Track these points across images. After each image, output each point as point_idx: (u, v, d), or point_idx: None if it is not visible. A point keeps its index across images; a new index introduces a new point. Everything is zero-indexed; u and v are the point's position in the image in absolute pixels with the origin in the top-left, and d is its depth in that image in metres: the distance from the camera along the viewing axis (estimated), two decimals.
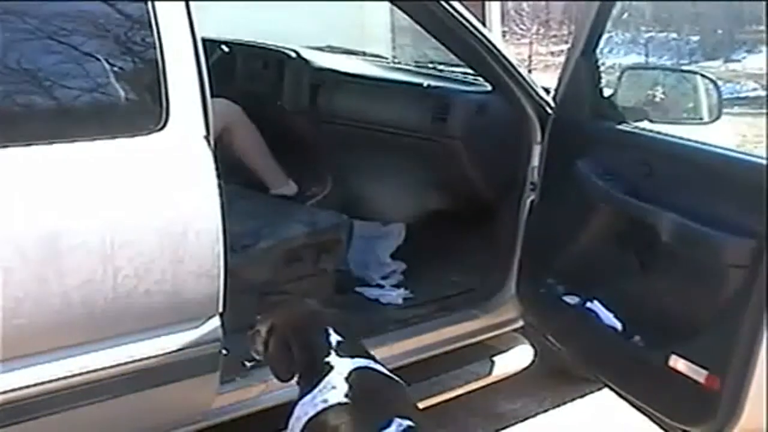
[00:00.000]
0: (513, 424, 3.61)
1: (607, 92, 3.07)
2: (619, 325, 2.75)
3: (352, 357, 2.39)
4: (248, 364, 2.66)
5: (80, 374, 2.23)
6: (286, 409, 2.50)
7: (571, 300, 2.93)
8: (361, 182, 3.80)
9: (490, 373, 3.39)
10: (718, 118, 3.16)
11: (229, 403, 2.70)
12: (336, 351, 2.38)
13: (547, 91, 3.24)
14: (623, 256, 2.77)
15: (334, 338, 2.41)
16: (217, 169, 2.35)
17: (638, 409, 2.76)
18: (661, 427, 2.70)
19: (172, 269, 2.29)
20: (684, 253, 2.52)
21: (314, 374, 2.35)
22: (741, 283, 2.33)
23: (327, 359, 2.37)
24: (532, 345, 3.47)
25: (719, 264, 2.39)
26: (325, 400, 2.28)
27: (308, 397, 2.32)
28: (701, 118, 3.13)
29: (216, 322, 2.45)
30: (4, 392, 2.12)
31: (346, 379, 2.31)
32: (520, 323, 3.43)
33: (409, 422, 2.20)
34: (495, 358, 3.41)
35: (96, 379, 2.26)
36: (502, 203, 3.36)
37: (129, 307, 2.26)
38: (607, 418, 3.60)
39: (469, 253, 3.55)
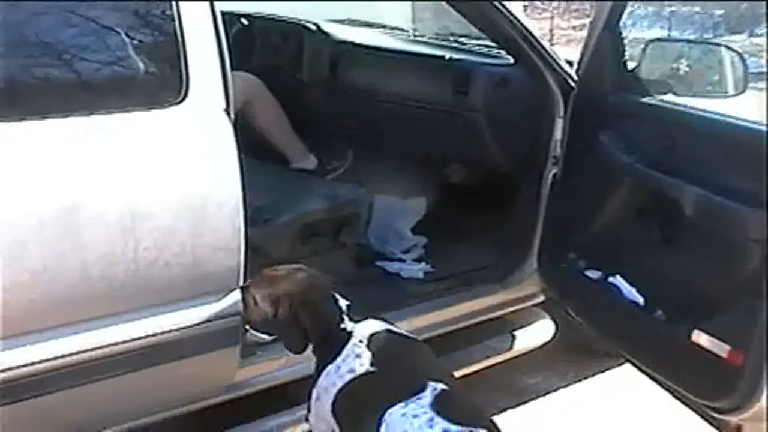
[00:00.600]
0: (534, 399, 3.60)
1: (630, 65, 3.03)
2: (641, 300, 2.73)
3: (365, 319, 2.36)
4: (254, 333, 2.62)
5: (100, 348, 2.24)
6: (307, 382, 2.52)
7: (593, 275, 2.91)
8: (382, 156, 3.79)
9: (510, 347, 3.39)
10: (743, 91, 3.12)
11: (250, 376, 2.71)
12: (348, 316, 2.36)
13: (569, 64, 3.21)
14: (646, 230, 2.75)
15: (343, 303, 2.38)
16: (237, 142, 2.34)
17: (659, 383, 2.75)
18: (682, 402, 2.69)
19: (192, 242, 2.29)
20: (707, 227, 2.49)
21: (332, 343, 2.32)
22: (764, 257, 2.31)
23: (342, 326, 2.33)
24: (554, 320, 3.47)
25: (742, 238, 2.37)
26: (351, 370, 2.24)
27: (332, 366, 2.28)
28: (726, 92, 3.09)
29: (236, 295, 2.44)
30: (25, 366, 2.13)
31: (368, 345, 2.27)
32: (542, 298, 3.42)
33: (443, 385, 2.13)
34: (516, 333, 3.41)
35: (116, 352, 2.27)
36: (523, 177, 3.34)
37: (149, 281, 2.26)
38: (628, 392, 3.59)
39: (490, 228, 3.53)
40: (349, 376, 2.25)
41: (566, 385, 3.74)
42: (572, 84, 3.12)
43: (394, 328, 2.40)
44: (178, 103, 2.27)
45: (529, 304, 3.43)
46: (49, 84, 2.17)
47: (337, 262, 3.18)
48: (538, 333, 3.44)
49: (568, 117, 3.10)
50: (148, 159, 2.24)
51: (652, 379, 2.77)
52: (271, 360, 2.74)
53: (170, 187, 2.25)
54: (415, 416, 2.03)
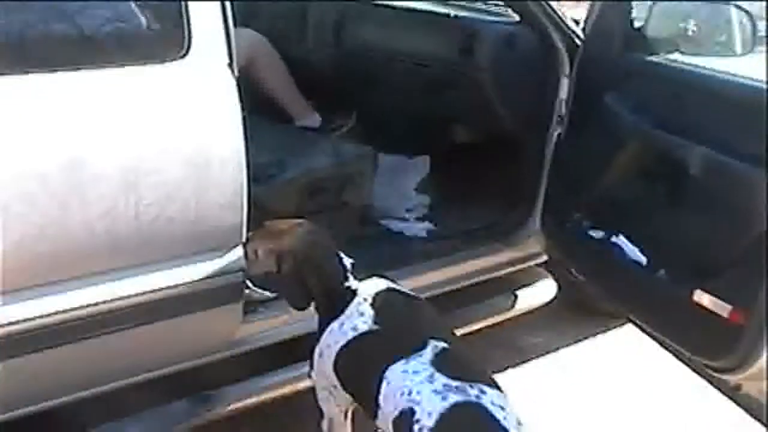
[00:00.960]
0: (534, 358, 3.63)
1: (637, 24, 3.00)
2: (644, 260, 2.73)
3: (370, 278, 2.38)
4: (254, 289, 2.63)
5: (103, 303, 2.25)
6: (309, 339, 2.53)
7: (597, 234, 2.90)
8: (386, 114, 3.77)
9: (512, 306, 3.40)
10: (751, 50, 3.09)
11: (252, 333, 2.72)
12: (353, 274, 2.37)
13: (576, 23, 3.18)
14: (650, 190, 2.73)
15: (347, 261, 2.39)
16: (240, 97, 2.33)
17: (660, 343, 2.76)
18: (683, 362, 2.70)
19: (195, 198, 2.29)
20: (712, 187, 2.48)
21: (336, 300, 2.33)
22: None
23: (347, 284, 2.34)
24: (556, 279, 3.47)
25: (746, 198, 2.35)
26: (354, 328, 2.26)
27: (335, 324, 2.30)
28: (734, 51, 3.07)
29: (239, 251, 2.45)
30: (28, 320, 2.14)
31: (372, 304, 2.29)
32: (544, 257, 3.42)
33: (443, 343, 2.14)
34: (518, 292, 3.41)
35: (119, 307, 2.28)
36: (528, 136, 3.33)
37: (152, 236, 2.26)
38: (630, 352, 3.61)
39: (494, 187, 3.53)
40: (352, 334, 2.26)
41: (567, 345, 3.76)
42: (578, 42, 3.10)
43: (398, 287, 2.41)
44: (181, 58, 2.25)
45: (531, 263, 3.44)
46: (52, 38, 2.15)
47: (340, 220, 3.19)
48: (540, 292, 3.45)
49: (573, 76, 3.07)
50: (151, 115, 2.23)
51: (653, 338, 2.78)
52: (274, 317, 2.75)
53: (173, 143, 2.24)
54: (415, 372, 2.05)
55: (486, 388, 2.00)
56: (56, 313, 2.17)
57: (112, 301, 2.27)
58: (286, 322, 2.77)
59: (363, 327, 2.26)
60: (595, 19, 2.98)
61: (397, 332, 2.26)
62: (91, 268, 2.22)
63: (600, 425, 3.25)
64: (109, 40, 2.24)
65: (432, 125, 3.71)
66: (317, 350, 2.36)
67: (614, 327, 3.78)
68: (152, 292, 2.32)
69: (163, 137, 2.23)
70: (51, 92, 2.09)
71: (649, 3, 3.06)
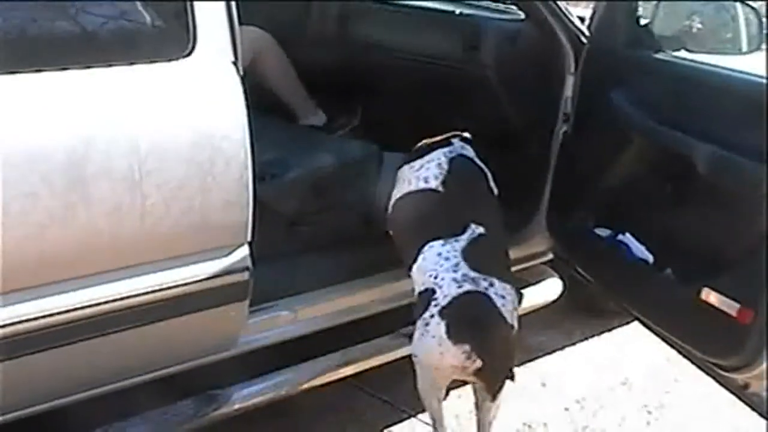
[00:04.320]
0: (540, 357, 3.62)
1: (643, 21, 2.99)
2: (650, 258, 2.72)
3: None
4: None
5: (107, 302, 2.23)
6: (312, 338, 2.53)
7: (603, 232, 2.89)
8: (392, 112, 3.76)
9: (518, 305, 3.38)
10: (758, 48, 3.08)
11: (258, 332, 2.71)
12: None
13: (582, 20, 3.17)
14: (656, 188, 2.72)
15: None
16: (245, 96, 2.32)
17: (667, 341, 2.75)
18: (690, 360, 2.69)
19: (200, 197, 2.28)
20: (719, 185, 2.47)
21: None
22: None
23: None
24: (562, 278, 3.46)
25: (754, 195, 2.34)
26: (426, 179, 2.79)
27: (415, 163, 2.89)
28: (740, 49, 3.05)
29: (245, 250, 2.44)
30: (32, 319, 2.13)
31: (450, 162, 2.82)
32: (550, 256, 3.41)
33: (482, 229, 2.62)
34: (523, 291, 3.40)
35: (124, 307, 2.27)
36: (534, 134, 3.31)
37: (157, 236, 2.25)
38: (636, 351, 3.60)
39: (499, 185, 3.51)
40: (422, 185, 2.79)
41: (572, 344, 3.75)
42: (583, 40, 3.08)
43: (472, 156, 2.93)
44: (186, 56, 2.24)
45: (537, 261, 3.42)
46: (58, 37, 2.15)
47: (345, 219, 3.18)
48: (545, 291, 3.43)
49: (579, 73, 3.06)
50: (156, 113, 2.21)
51: (660, 337, 2.77)
52: (279, 316, 2.75)
53: (178, 142, 2.23)
54: (446, 259, 2.54)
55: (495, 281, 2.49)
56: (60, 312, 2.16)
57: (116, 300, 2.25)
58: (291, 321, 2.76)
59: (432, 183, 2.76)
60: (601, 16, 2.98)
61: (450, 207, 2.73)
62: (96, 267, 2.20)
63: (606, 425, 3.24)
64: (114, 39, 2.24)
65: (437, 123, 3.70)
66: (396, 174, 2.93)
67: (621, 325, 3.77)
68: (157, 291, 2.31)
69: (169, 136, 2.22)
70: (56, 91, 2.08)
71: (655, 1, 3.06)
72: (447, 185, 2.77)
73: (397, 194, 2.88)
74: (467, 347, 2.39)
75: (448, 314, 2.43)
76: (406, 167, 2.91)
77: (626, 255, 2.76)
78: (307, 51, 4.01)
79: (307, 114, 3.91)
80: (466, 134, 3.04)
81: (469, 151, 2.96)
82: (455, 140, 2.97)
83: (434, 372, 2.51)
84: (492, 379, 2.51)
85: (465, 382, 2.74)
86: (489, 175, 2.96)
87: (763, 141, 2.29)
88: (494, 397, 2.57)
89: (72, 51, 2.16)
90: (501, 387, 2.55)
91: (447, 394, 2.69)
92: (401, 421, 3.16)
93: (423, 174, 2.81)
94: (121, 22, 2.24)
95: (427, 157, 2.87)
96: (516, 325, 2.54)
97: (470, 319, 2.45)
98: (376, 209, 3.12)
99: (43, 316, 2.14)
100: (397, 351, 2.95)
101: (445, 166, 2.82)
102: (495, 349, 2.45)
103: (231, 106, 2.30)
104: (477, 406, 2.67)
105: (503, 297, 2.49)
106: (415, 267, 2.62)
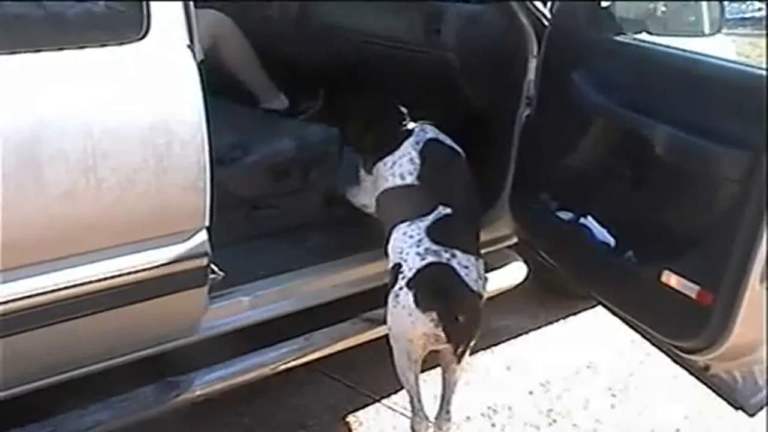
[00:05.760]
0: (505, 341, 3.62)
1: (604, 4, 2.98)
2: (612, 241, 2.72)
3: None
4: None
5: (63, 288, 2.20)
6: (274, 323, 2.51)
7: (565, 216, 2.88)
8: (354, 96, 3.73)
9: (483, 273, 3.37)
10: (719, 31, 3.09)
11: (219, 317, 2.68)
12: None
13: (544, 3, 3.15)
14: (618, 170, 2.71)
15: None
16: (201, 78, 2.29)
17: (629, 324, 2.75)
18: (652, 343, 2.70)
19: (156, 181, 2.25)
20: (679, 167, 2.47)
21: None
22: (736, 196, 2.29)
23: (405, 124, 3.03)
24: (526, 262, 3.45)
25: (714, 177, 2.35)
26: (402, 176, 2.87)
27: (389, 158, 2.93)
28: (702, 31, 3.06)
29: (203, 235, 2.41)
30: None
31: (421, 153, 2.90)
32: (514, 240, 3.40)
33: (448, 210, 2.74)
34: (488, 275, 3.39)
35: (81, 293, 2.24)
36: (496, 117, 3.29)
37: (113, 220, 2.22)
38: (601, 334, 3.61)
39: None
40: (398, 182, 2.88)
41: (538, 327, 3.76)
42: (545, 23, 3.07)
43: (444, 139, 3.02)
44: (140, 39, 2.21)
45: (501, 245, 3.41)
46: (8, 21, 2.10)
47: (306, 203, 3.16)
48: (510, 275, 3.42)
49: (541, 55, 3.04)
50: (110, 96, 2.18)
51: (622, 320, 2.77)
52: (239, 302, 2.72)
53: (133, 125, 2.20)
54: (410, 237, 2.68)
55: (458, 253, 2.63)
56: (13, 300, 2.12)
57: (73, 286, 2.22)
58: (252, 307, 2.73)
59: (408, 179, 2.85)
60: None
61: (423, 195, 2.81)
62: (50, 253, 2.17)
63: (571, 408, 3.25)
64: (67, 21, 2.19)
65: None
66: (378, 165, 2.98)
67: (584, 309, 3.78)
68: (114, 278, 2.28)
69: (123, 119, 2.19)
70: (9, 74, 2.04)
71: None
72: (422, 177, 2.86)
73: (377, 191, 2.96)
74: (434, 315, 2.52)
75: (415, 284, 2.57)
76: (380, 164, 2.96)
77: (588, 238, 2.76)
78: (268, 35, 3.98)
79: (269, 98, 3.88)
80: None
81: (438, 133, 3.02)
82: (415, 126, 3.04)
83: (408, 345, 2.62)
84: (456, 341, 2.60)
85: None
86: (462, 153, 3.03)
87: (721, 122, 2.30)
88: (459, 359, 2.69)
89: (23, 34, 2.11)
90: (465, 350, 2.67)
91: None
92: (366, 406, 3.15)
93: (398, 171, 2.89)
94: (75, 4, 2.20)
95: (397, 153, 2.92)
96: (482, 293, 2.67)
97: (435, 287, 2.58)
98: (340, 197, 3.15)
99: None
100: (360, 336, 2.94)
101: (417, 160, 2.88)
102: (459, 314, 2.55)
103: (186, 89, 2.27)
104: (443, 368, 2.78)
105: (466, 267, 2.62)
106: (389, 248, 2.76)
